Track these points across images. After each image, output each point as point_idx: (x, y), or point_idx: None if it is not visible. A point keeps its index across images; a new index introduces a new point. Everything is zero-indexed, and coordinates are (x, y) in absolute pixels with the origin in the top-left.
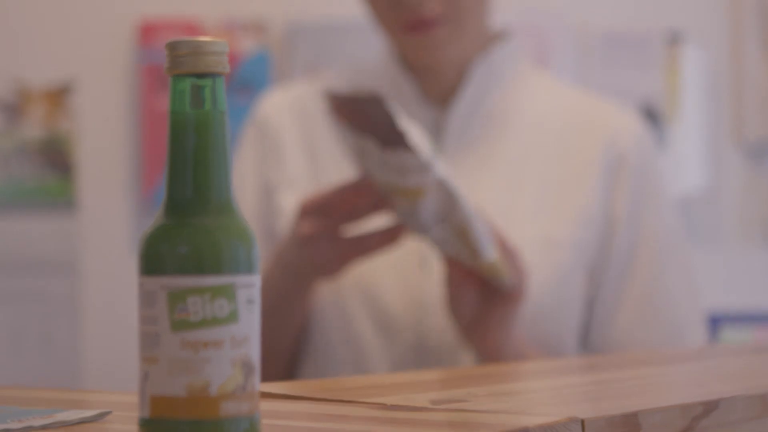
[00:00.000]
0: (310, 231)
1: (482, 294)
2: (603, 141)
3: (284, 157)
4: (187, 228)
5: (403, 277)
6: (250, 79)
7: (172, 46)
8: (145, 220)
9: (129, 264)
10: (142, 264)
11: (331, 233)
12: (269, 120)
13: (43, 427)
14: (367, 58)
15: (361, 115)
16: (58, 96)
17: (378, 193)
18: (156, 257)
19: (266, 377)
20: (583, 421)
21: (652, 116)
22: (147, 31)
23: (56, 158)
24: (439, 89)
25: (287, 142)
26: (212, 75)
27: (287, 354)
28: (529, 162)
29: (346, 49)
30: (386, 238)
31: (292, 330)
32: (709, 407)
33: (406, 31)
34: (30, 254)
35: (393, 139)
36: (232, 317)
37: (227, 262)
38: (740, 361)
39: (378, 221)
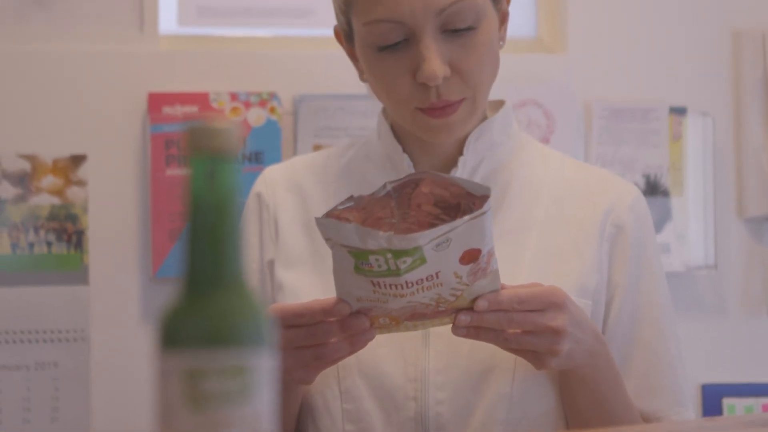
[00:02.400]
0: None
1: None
2: (601, 210)
3: (281, 233)
4: (205, 307)
5: (402, 349)
6: (260, 149)
7: (190, 130)
8: (154, 290)
9: (139, 334)
10: (159, 341)
11: (293, 346)
12: (267, 195)
13: None
14: (369, 127)
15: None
16: (69, 167)
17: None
18: (174, 335)
19: None
20: None
21: (656, 189)
22: (156, 102)
23: (66, 228)
24: (436, 162)
25: (284, 217)
26: (228, 158)
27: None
28: (526, 231)
29: (353, 118)
30: (351, 346)
31: (287, 419)
32: None
33: (427, 113)
34: (39, 324)
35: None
36: (247, 395)
37: (243, 341)
38: None
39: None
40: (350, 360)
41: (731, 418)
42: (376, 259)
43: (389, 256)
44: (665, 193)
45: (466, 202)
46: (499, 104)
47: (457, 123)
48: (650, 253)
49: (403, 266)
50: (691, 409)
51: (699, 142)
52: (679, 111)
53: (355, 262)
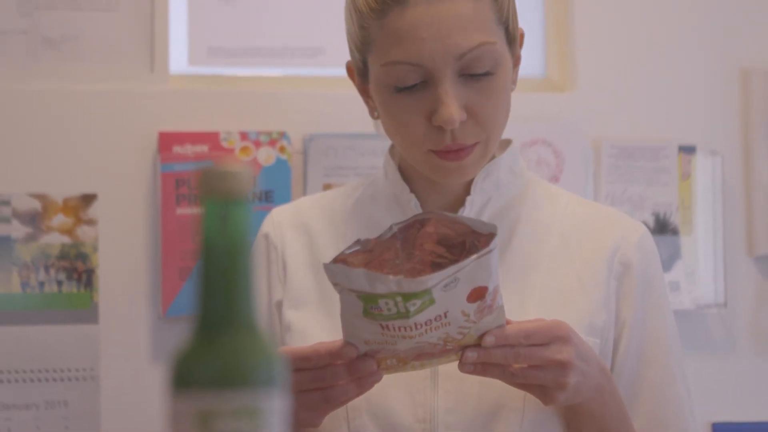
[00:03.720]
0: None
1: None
2: (608, 248)
3: (289, 273)
4: (216, 348)
5: (411, 389)
6: (270, 188)
7: (204, 174)
8: (165, 329)
9: (149, 373)
10: (171, 382)
11: (299, 389)
12: (274, 236)
13: None
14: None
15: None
16: (79, 206)
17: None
18: (185, 376)
19: None
20: None
21: (666, 228)
22: (166, 141)
23: (77, 267)
24: (443, 201)
25: (292, 258)
26: (240, 201)
27: None
28: (533, 271)
29: (362, 157)
30: (358, 388)
31: None
32: None
33: (441, 156)
34: (49, 363)
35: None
36: None
37: (255, 383)
38: None
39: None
40: (359, 401)
41: None
42: (386, 303)
43: (399, 299)
44: (675, 232)
45: (470, 240)
46: (506, 143)
47: (469, 166)
48: (658, 291)
49: (412, 308)
50: None
51: (708, 180)
52: (688, 149)
53: (364, 306)
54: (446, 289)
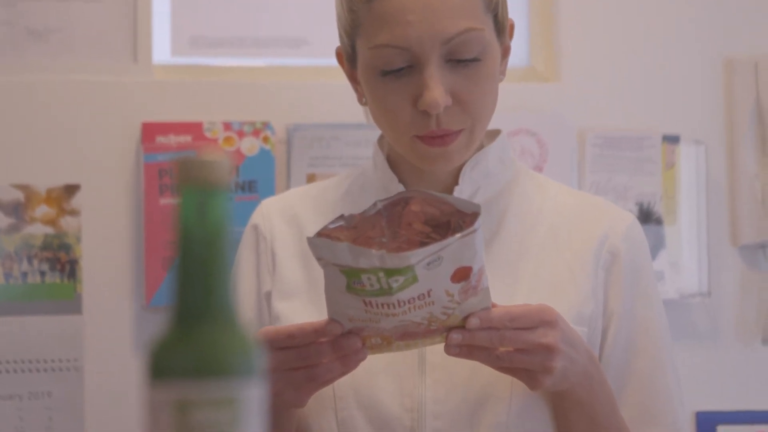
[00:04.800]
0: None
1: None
2: (596, 238)
3: (278, 264)
4: (193, 338)
5: (399, 379)
6: (253, 178)
7: (181, 163)
8: (147, 320)
9: (132, 364)
10: (149, 372)
11: (285, 368)
12: (263, 227)
13: None
14: (362, 156)
15: (367, 227)
16: (62, 196)
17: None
18: (163, 366)
19: None
20: None
21: (650, 217)
22: (149, 132)
23: (60, 258)
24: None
25: (281, 248)
26: (218, 191)
27: None
28: (522, 260)
29: (346, 147)
30: (343, 366)
31: None
32: None
33: (426, 142)
34: (33, 353)
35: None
36: (236, 426)
37: (232, 372)
38: None
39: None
40: (347, 390)
41: None
42: (368, 278)
43: (381, 275)
44: (658, 221)
45: (456, 219)
46: (495, 133)
47: (454, 152)
48: (646, 280)
49: (395, 285)
50: None
51: (692, 170)
52: (672, 139)
53: (347, 281)
54: (429, 268)
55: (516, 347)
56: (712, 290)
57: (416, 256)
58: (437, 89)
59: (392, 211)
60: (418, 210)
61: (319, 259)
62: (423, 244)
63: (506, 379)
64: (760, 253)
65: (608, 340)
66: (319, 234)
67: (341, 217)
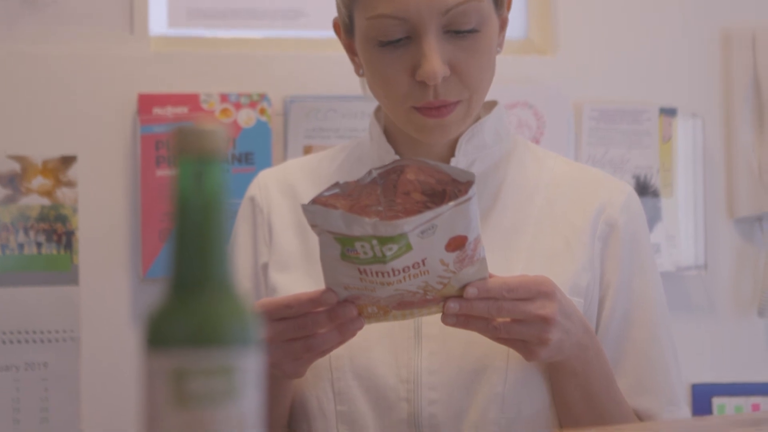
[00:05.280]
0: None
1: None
2: (593, 209)
3: (275, 236)
4: (190, 307)
5: (395, 349)
6: (250, 150)
7: (178, 132)
8: (144, 290)
9: (128, 334)
10: (145, 340)
11: (282, 338)
12: (261, 199)
13: None
14: (359, 128)
15: (363, 196)
16: (59, 168)
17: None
18: (159, 334)
19: None
20: None
21: (646, 190)
22: (146, 103)
23: (56, 229)
24: None
25: (278, 220)
26: (215, 160)
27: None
28: (519, 232)
29: (342, 119)
30: (340, 336)
31: (279, 415)
32: None
33: (423, 113)
34: (29, 324)
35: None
36: (233, 395)
37: (229, 341)
38: None
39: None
40: (344, 362)
41: (721, 418)
42: (362, 246)
43: (375, 242)
44: (655, 194)
45: (451, 188)
46: (492, 105)
47: (451, 124)
48: (643, 252)
49: (389, 253)
50: (684, 407)
51: (689, 143)
52: (669, 112)
53: (341, 248)
54: (423, 236)
55: (513, 318)
56: (709, 263)
57: (409, 224)
58: (436, 60)
59: (387, 179)
60: (414, 179)
61: (313, 226)
62: (419, 213)
63: (502, 350)
64: (756, 226)
65: (605, 312)
66: (314, 201)
67: (336, 184)
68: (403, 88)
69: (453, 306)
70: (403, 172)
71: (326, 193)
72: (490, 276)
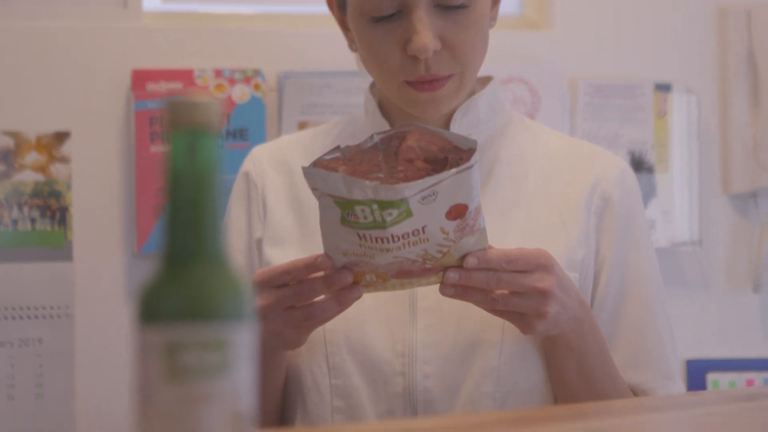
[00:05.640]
0: (261, 304)
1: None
2: (588, 184)
3: (270, 211)
4: (183, 281)
5: (390, 323)
6: (245, 125)
7: (170, 105)
8: (138, 266)
9: (123, 311)
10: (138, 315)
11: (282, 305)
12: (255, 174)
13: None
14: (354, 104)
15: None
16: (52, 143)
17: (334, 268)
18: (152, 309)
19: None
20: None
21: (641, 165)
22: (140, 79)
23: (50, 205)
24: None
25: (273, 196)
26: (208, 133)
27: (272, 411)
28: (514, 207)
29: (337, 95)
30: (339, 305)
31: (275, 387)
32: None
33: (415, 87)
34: (24, 300)
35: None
36: (226, 369)
37: (222, 314)
38: (728, 409)
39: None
40: (338, 336)
41: (715, 393)
42: (362, 210)
43: (375, 207)
44: (650, 170)
45: (453, 156)
46: (487, 80)
47: (443, 98)
48: (638, 227)
49: (388, 218)
50: (679, 382)
51: (684, 118)
52: (664, 88)
53: (341, 212)
54: (424, 203)
55: (512, 290)
56: (703, 239)
57: (410, 189)
58: (426, 33)
59: (389, 145)
60: (415, 145)
61: (314, 189)
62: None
63: (498, 323)
64: (750, 201)
65: (600, 287)
66: (315, 164)
67: (337, 148)
68: (394, 62)
69: (452, 276)
70: (404, 138)
71: (327, 157)
72: (490, 247)
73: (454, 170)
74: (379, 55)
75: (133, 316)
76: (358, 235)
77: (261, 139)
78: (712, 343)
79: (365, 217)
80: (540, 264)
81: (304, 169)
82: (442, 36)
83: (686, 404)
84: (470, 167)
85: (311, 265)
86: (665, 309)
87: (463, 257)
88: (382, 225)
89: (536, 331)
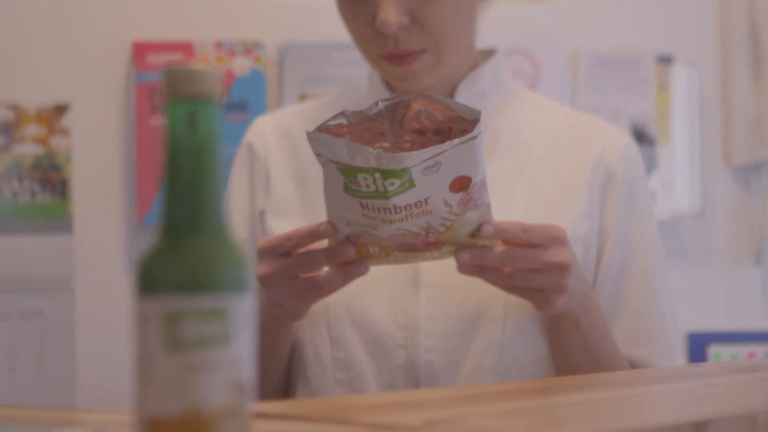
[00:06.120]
0: (265, 272)
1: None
2: (592, 157)
3: (273, 183)
4: (182, 251)
5: (392, 296)
6: (245, 98)
7: (169, 73)
8: (139, 237)
9: (123, 282)
10: (138, 285)
11: (286, 274)
12: (258, 145)
13: None
14: (356, 76)
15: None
16: (53, 115)
17: (338, 238)
18: (152, 279)
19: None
20: None
21: (643, 138)
22: (140, 51)
23: (51, 177)
24: None
25: (275, 167)
26: (208, 101)
27: (278, 379)
28: (517, 181)
29: (338, 67)
30: (344, 278)
31: (278, 359)
32: (699, 428)
33: (389, 61)
34: (24, 273)
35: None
36: (226, 339)
37: (222, 285)
38: (729, 380)
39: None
40: (340, 308)
41: (716, 365)
42: (365, 178)
43: (377, 176)
44: (652, 142)
45: (458, 127)
46: (491, 53)
47: (421, 73)
48: (641, 201)
49: (390, 188)
50: (680, 356)
51: (686, 90)
52: (666, 60)
53: (344, 180)
54: (427, 173)
55: (529, 267)
56: (705, 211)
57: (413, 158)
58: (390, 9)
59: (394, 113)
60: (420, 114)
61: (317, 155)
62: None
63: (501, 297)
64: (752, 174)
65: (603, 261)
66: (319, 129)
67: (342, 113)
68: (367, 37)
69: (464, 256)
70: (410, 106)
71: (331, 122)
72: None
73: (457, 140)
74: (353, 29)
75: (133, 286)
76: (361, 204)
77: (261, 111)
78: (713, 316)
79: (368, 186)
80: (555, 237)
81: (308, 133)
82: (411, 11)
83: (687, 376)
84: (474, 138)
85: (314, 232)
86: (666, 283)
87: (480, 226)
88: (384, 195)
89: (555, 307)
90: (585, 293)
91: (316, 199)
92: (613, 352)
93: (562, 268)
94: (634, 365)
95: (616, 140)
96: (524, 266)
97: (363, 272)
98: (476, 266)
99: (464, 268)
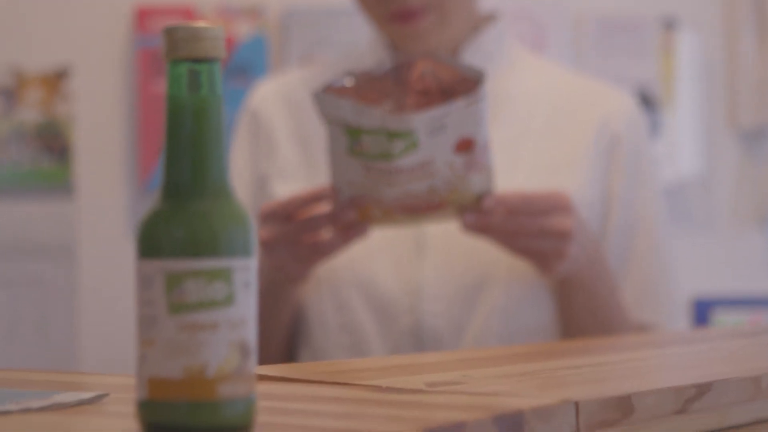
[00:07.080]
0: (267, 236)
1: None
2: (596, 121)
3: (276, 147)
4: (184, 212)
5: (398, 261)
6: (247, 64)
7: (170, 32)
8: (141, 203)
9: (126, 247)
10: (139, 247)
11: (288, 239)
12: (261, 110)
13: (41, 408)
14: (358, 42)
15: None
16: (55, 80)
17: (341, 201)
18: (154, 241)
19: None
20: (577, 404)
21: (647, 102)
22: (143, 16)
23: (53, 142)
24: None
25: (279, 131)
26: (209, 60)
27: (281, 344)
28: (521, 144)
29: (340, 33)
30: (345, 241)
31: (281, 324)
32: (702, 390)
33: (392, 21)
34: (26, 238)
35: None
36: (229, 300)
37: (224, 246)
38: (733, 344)
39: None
40: (345, 272)
41: (720, 329)
42: (370, 140)
43: (382, 137)
44: (656, 106)
45: (462, 88)
46: (493, 17)
47: (426, 33)
48: (645, 164)
49: (395, 150)
50: (681, 321)
51: (690, 54)
52: (670, 24)
53: (348, 141)
54: (431, 135)
55: (531, 233)
56: (709, 175)
57: (418, 119)
58: None
59: (399, 72)
60: (426, 74)
61: (323, 116)
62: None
63: (505, 262)
64: (757, 138)
65: (609, 224)
66: (325, 90)
67: (349, 73)
68: (371, 2)
69: (470, 219)
70: (415, 66)
71: (337, 83)
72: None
73: (463, 102)
74: None
75: (135, 249)
76: (365, 166)
77: (264, 76)
78: (717, 281)
79: (372, 147)
80: (558, 205)
81: (314, 94)
82: None
83: (691, 340)
84: (479, 99)
85: (316, 196)
86: (670, 247)
87: (481, 197)
88: (388, 156)
89: (555, 272)
90: (593, 258)
91: (319, 163)
92: (621, 316)
93: (563, 236)
94: (639, 328)
95: (621, 104)
96: (525, 232)
97: (362, 234)
98: (480, 229)
99: (468, 229)
